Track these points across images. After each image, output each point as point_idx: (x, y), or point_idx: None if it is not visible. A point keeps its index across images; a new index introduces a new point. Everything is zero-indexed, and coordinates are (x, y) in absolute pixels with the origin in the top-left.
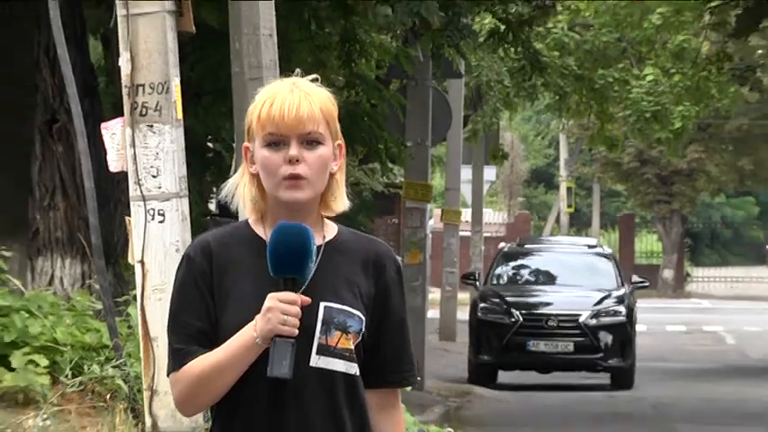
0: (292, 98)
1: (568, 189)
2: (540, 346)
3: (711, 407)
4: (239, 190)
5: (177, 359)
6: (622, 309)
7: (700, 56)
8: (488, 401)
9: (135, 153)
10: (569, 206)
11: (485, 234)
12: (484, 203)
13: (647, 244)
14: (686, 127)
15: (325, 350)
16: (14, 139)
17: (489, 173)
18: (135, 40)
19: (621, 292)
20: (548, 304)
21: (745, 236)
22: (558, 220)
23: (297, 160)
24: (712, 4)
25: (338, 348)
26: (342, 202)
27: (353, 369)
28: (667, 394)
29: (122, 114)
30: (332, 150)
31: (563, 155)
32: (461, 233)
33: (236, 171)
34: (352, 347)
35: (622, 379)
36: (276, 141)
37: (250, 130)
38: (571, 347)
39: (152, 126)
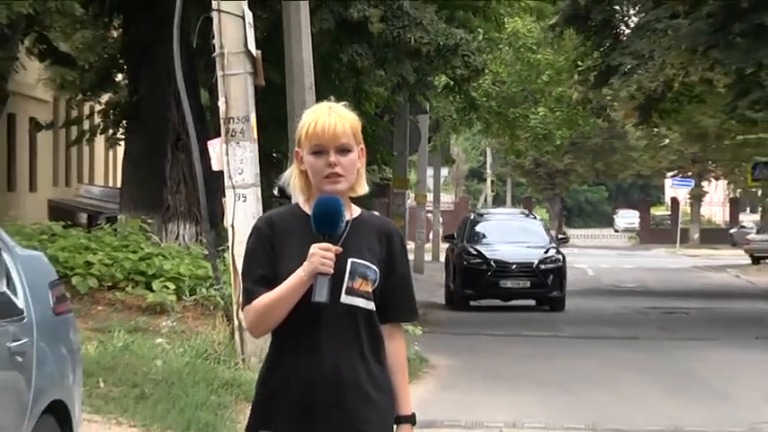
0: (330, 120)
1: (492, 181)
2: (508, 283)
3: (581, 314)
4: (292, 181)
5: (248, 297)
6: (560, 257)
7: (571, 100)
8: (449, 313)
9: (228, 159)
10: (493, 192)
11: (441, 209)
12: (440, 190)
13: (540, 215)
14: (563, 143)
15: (351, 291)
16: (155, 151)
17: (444, 171)
18: (228, 90)
19: (555, 245)
20: (511, 254)
21: (599, 210)
22: (485, 200)
23: (335, 164)
24: (579, 69)
25: (360, 290)
26: (363, 188)
27: (371, 306)
28: None
29: (220, 135)
30: (357, 154)
31: (489, 160)
32: (427, 208)
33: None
34: (370, 291)
35: (558, 305)
36: (319, 150)
37: (300, 140)
38: (528, 284)
39: (239, 143)
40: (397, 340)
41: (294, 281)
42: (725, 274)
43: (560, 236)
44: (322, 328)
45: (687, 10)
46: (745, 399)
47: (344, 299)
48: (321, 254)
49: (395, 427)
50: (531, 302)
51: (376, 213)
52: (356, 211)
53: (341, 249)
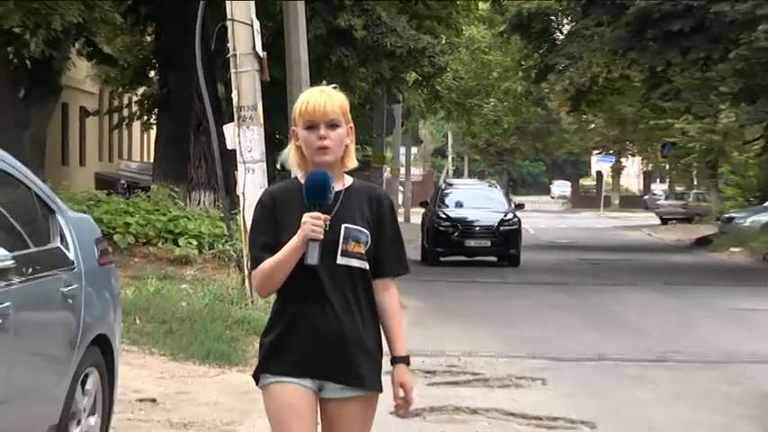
0: (320, 99)
1: (452, 158)
2: (472, 242)
3: (525, 265)
4: (290, 157)
5: (255, 263)
6: (516, 220)
7: (516, 93)
8: (423, 267)
9: (239, 140)
10: (453, 167)
11: (411, 180)
12: (411, 165)
13: None
14: (510, 127)
15: (345, 253)
16: (181, 134)
17: (413, 150)
18: (239, 84)
19: (513, 210)
20: (475, 218)
21: (538, 181)
22: (447, 173)
23: (324, 137)
24: (523, 67)
25: (353, 252)
26: (352, 162)
27: (365, 265)
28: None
29: (233, 121)
30: (346, 130)
31: (450, 141)
32: (400, 179)
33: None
34: (363, 252)
35: (515, 260)
36: (311, 126)
37: (295, 119)
38: (489, 243)
39: (248, 127)
40: (391, 292)
41: (290, 247)
42: (639, 232)
43: (517, 203)
44: (322, 287)
45: (609, 20)
46: (655, 333)
47: (340, 260)
48: (312, 222)
49: (393, 367)
50: (494, 259)
51: (367, 182)
52: (349, 181)
53: (329, 218)
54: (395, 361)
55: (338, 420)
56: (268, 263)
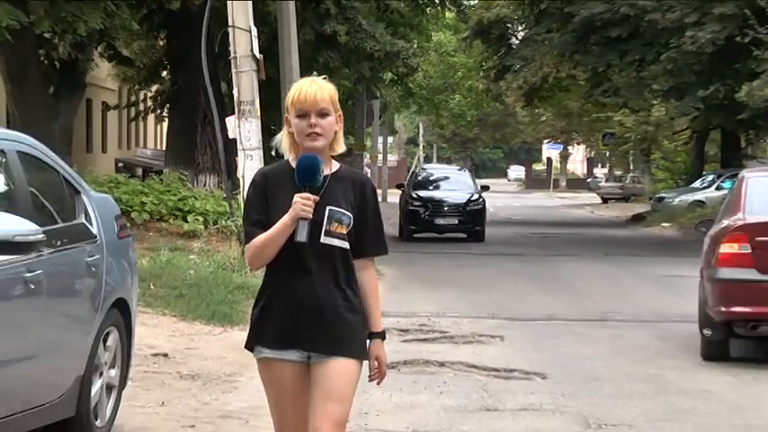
0: (311, 89)
1: (423, 146)
2: (441, 221)
3: (487, 238)
4: (282, 142)
5: (248, 237)
6: (481, 200)
7: (478, 90)
8: (398, 242)
9: (240, 130)
10: (424, 154)
11: (388, 165)
12: (387, 152)
13: None
14: (472, 119)
15: (328, 233)
16: (189, 125)
17: (390, 139)
18: (239, 82)
19: (479, 192)
20: (444, 198)
21: (497, 166)
22: (419, 159)
23: (315, 125)
24: (483, 68)
25: (336, 232)
26: (341, 147)
27: (345, 245)
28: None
29: (234, 114)
30: (335, 118)
31: (421, 131)
32: (378, 164)
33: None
34: (345, 233)
35: (479, 236)
36: (302, 114)
37: (288, 107)
38: (456, 221)
39: (247, 119)
40: (369, 272)
41: (281, 224)
42: (583, 210)
43: (483, 185)
44: (306, 263)
45: (558, 27)
46: (597, 296)
47: (323, 239)
48: (302, 202)
49: (368, 341)
50: (463, 236)
51: (352, 168)
52: (336, 166)
53: (318, 198)
54: (372, 336)
55: (323, 382)
56: (260, 238)
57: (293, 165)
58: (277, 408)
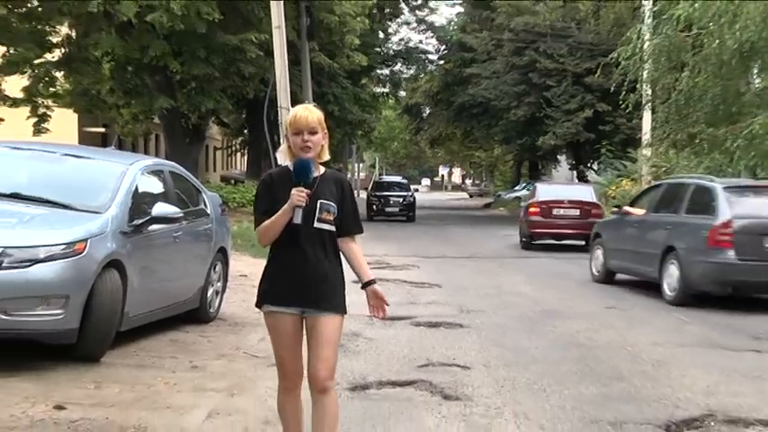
0: (304, 113)
1: (378, 167)
2: (389, 209)
3: (420, 217)
4: (284, 152)
5: (257, 222)
6: (413, 197)
7: (406, 139)
8: (365, 222)
9: (283, 159)
10: (379, 172)
11: (360, 178)
12: (360, 171)
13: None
14: (403, 155)
15: (320, 220)
16: (258, 158)
17: (360, 165)
18: (284, 118)
19: (413, 192)
20: (391, 196)
21: (416, 179)
22: (376, 175)
23: (306, 141)
24: (409, 128)
25: (325, 219)
26: (326, 155)
27: (332, 228)
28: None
29: (281, 149)
30: (321, 135)
31: (377, 160)
32: (354, 177)
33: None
34: (332, 219)
35: (412, 218)
36: (297, 132)
37: (287, 127)
38: (398, 210)
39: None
40: (353, 244)
41: (282, 211)
42: (459, 201)
43: (415, 188)
44: (301, 241)
45: (445, 107)
46: (468, 245)
47: (316, 224)
48: (297, 194)
49: (367, 288)
50: (403, 218)
51: (335, 170)
52: (323, 170)
53: (310, 192)
54: (367, 284)
55: (316, 329)
56: (266, 223)
57: (291, 168)
58: (277, 347)
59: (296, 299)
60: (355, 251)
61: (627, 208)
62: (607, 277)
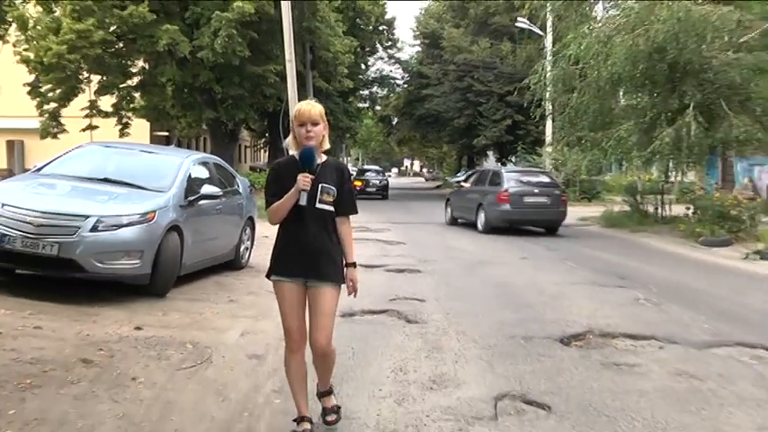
0: (307, 107)
1: (361, 160)
2: (369, 190)
3: (391, 195)
4: (290, 143)
5: (267, 204)
6: (387, 180)
7: (380, 140)
8: None
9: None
10: (361, 162)
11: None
12: (348, 163)
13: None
14: (379, 151)
15: (321, 201)
16: (277, 154)
17: (348, 158)
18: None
19: (387, 177)
20: (371, 179)
21: (388, 168)
22: (359, 164)
23: (310, 131)
24: (384, 132)
25: (326, 200)
26: (327, 144)
27: (332, 209)
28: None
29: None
30: (322, 127)
31: (360, 155)
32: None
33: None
34: (331, 201)
35: (386, 197)
36: (301, 123)
37: (293, 120)
38: (375, 190)
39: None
40: (347, 225)
41: (289, 194)
42: (419, 183)
43: (389, 174)
44: (305, 220)
45: (408, 118)
46: (425, 214)
47: (318, 205)
48: (303, 179)
49: (345, 270)
50: (379, 197)
51: (335, 158)
52: (324, 158)
53: (313, 177)
54: (347, 265)
55: (316, 300)
56: (275, 204)
57: (297, 156)
58: (284, 313)
59: (300, 270)
60: (346, 233)
61: (462, 183)
62: (453, 222)
